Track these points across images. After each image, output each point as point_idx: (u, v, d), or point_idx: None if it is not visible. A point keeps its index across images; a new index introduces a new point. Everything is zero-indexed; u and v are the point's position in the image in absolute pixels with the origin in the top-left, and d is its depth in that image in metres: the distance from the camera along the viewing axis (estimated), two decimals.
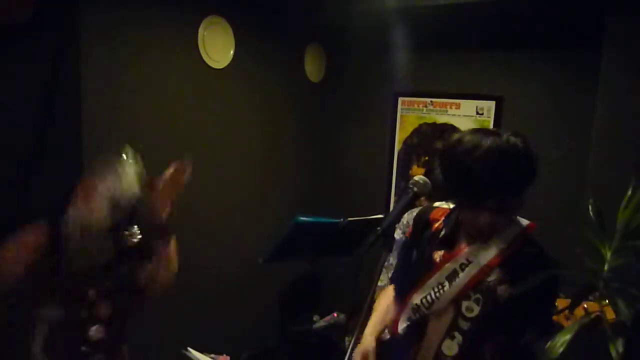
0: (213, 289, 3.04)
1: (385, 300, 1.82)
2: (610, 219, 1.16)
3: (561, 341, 1.11)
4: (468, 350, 1.48)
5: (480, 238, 1.49)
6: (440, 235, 1.57)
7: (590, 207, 1.20)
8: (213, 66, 2.84)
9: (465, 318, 1.49)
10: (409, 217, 2.78)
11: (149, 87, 2.55)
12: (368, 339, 1.70)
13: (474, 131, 1.43)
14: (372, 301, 1.52)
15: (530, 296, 1.34)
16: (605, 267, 1.10)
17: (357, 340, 1.39)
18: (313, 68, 3.60)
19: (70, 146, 2.29)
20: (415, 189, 1.50)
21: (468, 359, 1.50)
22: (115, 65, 2.40)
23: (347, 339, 2.78)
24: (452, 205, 1.64)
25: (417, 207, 2.21)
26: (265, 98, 3.25)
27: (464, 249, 1.50)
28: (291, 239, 2.59)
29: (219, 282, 3.07)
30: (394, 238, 1.51)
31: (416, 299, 1.56)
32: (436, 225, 1.61)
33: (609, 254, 1.10)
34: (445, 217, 1.61)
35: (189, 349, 1.32)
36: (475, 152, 1.35)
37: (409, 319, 1.60)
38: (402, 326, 1.61)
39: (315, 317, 3.39)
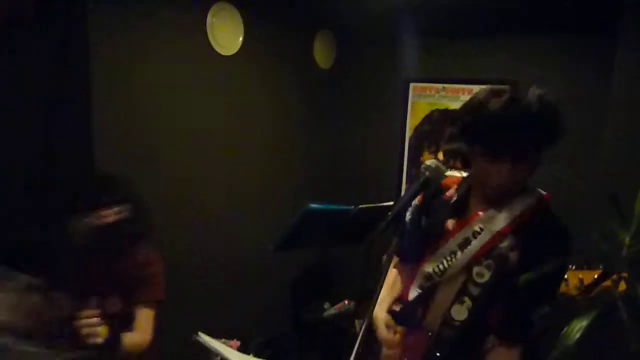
0: (224, 277, 3.05)
1: (391, 273, 1.80)
2: (628, 204, 1.13)
3: (577, 327, 1.08)
4: (477, 315, 1.49)
5: (495, 201, 1.47)
6: (452, 202, 1.57)
7: (608, 192, 1.17)
8: (222, 53, 2.82)
9: (475, 283, 1.49)
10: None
11: (157, 75, 2.54)
12: (379, 315, 1.67)
13: (495, 89, 1.42)
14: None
15: (544, 275, 1.32)
16: (624, 252, 1.07)
17: (369, 326, 1.37)
18: (323, 55, 3.56)
19: (80, 134, 2.29)
20: (427, 173, 1.47)
21: (476, 325, 1.49)
22: (123, 53, 2.38)
23: (357, 322, 2.74)
24: (464, 174, 1.62)
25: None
26: (275, 85, 3.23)
27: (477, 215, 1.50)
28: (301, 226, 2.58)
29: (230, 270, 3.08)
30: (405, 223, 1.49)
31: (428, 267, 1.56)
32: (448, 193, 1.60)
33: (627, 239, 1.07)
34: (457, 186, 1.60)
35: (200, 334, 1.32)
36: (499, 103, 1.35)
37: (420, 286, 1.59)
38: (413, 294, 1.61)
39: (326, 305, 3.39)
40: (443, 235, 1.54)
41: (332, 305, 3.37)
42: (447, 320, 1.52)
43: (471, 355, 1.51)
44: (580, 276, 1.81)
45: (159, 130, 2.58)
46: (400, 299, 1.71)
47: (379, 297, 1.70)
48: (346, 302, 3.35)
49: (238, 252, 3.10)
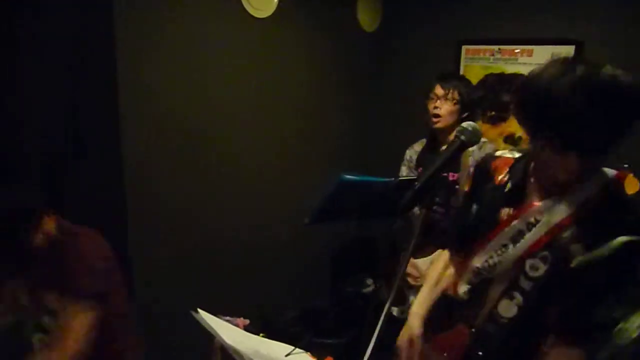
0: (262, 249, 2.97)
1: (435, 270, 1.66)
2: None
3: (637, 323, 0.88)
4: (528, 313, 1.31)
5: (556, 190, 1.28)
6: (506, 190, 1.38)
7: None
8: (255, 15, 2.66)
9: (528, 277, 1.30)
10: (410, 152, 2.68)
11: (187, 39, 2.43)
12: (414, 322, 1.55)
13: (566, 61, 1.18)
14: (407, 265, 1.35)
15: (609, 260, 1.11)
16: None
17: (390, 308, 1.22)
18: (367, 16, 3.34)
19: (106, 101, 2.23)
20: (462, 137, 1.28)
21: (527, 324, 1.31)
22: (151, 14, 2.28)
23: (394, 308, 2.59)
24: (516, 155, 1.43)
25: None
26: (313, 50, 3.05)
27: (534, 206, 1.30)
28: (335, 198, 2.42)
29: (268, 242, 3.00)
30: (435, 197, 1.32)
31: (477, 261, 1.41)
32: (500, 177, 1.42)
33: None
34: (510, 169, 1.41)
35: (199, 310, 1.22)
36: (572, 84, 1.11)
37: (469, 282, 1.44)
38: (462, 289, 1.46)
39: (368, 281, 3.26)
40: (496, 226, 1.37)
41: (375, 280, 3.23)
42: (493, 316, 1.36)
43: (520, 357, 1.34)
44: None
45: (187, 98, 2.49)
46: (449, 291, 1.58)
47: (421, 297, 1.61)
48: None
49: (275, 224, 3.01)
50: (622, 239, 1.06)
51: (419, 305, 1.60)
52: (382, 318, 1.26)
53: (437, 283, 1.63)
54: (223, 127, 2.68)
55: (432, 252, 2.39)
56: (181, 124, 2.47)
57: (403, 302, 2.46)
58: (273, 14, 2.74)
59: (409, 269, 2.46)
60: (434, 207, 2.32)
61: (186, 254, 2.61)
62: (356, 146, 3.50)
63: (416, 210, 2.19)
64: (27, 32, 2.19)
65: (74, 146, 2.23)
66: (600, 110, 1.10)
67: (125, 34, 2.20)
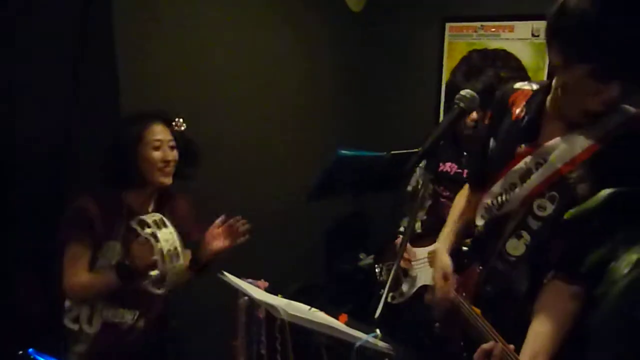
0: (256, 227, 3.01)
1: (459, 203, 1.68)
2: None
3: (627, 261, 0.98)
4: (535, 251, 1.35)
5: (579, 125, 1.25)
6: (522, 124, 1.38)
7: None
8: None
9: (536, 217, 1.34)
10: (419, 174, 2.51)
11: (178, 16, 2.44)
12: (444, 257, 1.58)
13: None
14: (413, 231, 1.42)
15: (615, 199, 1.12)
16: None
17: (399, 265, 1.29)
18: None
19: (105, 81, 2.25)
20: (461, 104, 1.37)
21: (534, 261, 1.36)
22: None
23: (377, 266, 2.62)
24: (535, 86, 1.43)
25: (464, 125, 2.10)
26: (300, 29, 3.07)
27: (546, 144, 1.31)
28: (333, 174, 2.51)
29: (262, 220, 3.03)
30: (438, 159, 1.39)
31: (488, 198, 1.44)
32: (517, 111, 1.41)
33: None
34: (527, 102, 1.40)
35: (225, 273, 1.29)
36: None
37: (482, 217, 1.47)
38: (479, 223, 1.49)
39: (362, 255, 3.34)
40: (511, 162, 1.39)
41: (368, 255, 3.31)
42: (502, 255, 1.40)
43: (526, 293, 1.39)
44: None
45: (183, 79, 2.51)
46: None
47: (445, 232, 1.64)
48: None
49: (269, 201, 3.05)
50: (605, 191, 1.09)
51: (444, 240, 1.61)
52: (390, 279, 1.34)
53: (460, 216, 1.64)
54: (215, 106, 2.69)
55: (432, 243, 2.40)
56: (176, 105, 2.48)
57: (396, 287, 2.48)
58: None
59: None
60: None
61: None
62: (348, 124, 3.54)
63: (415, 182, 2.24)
64: (23, 23, 2.18)
65: (74, 139, 2.23)
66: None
67: (122, 17, 2.20)
